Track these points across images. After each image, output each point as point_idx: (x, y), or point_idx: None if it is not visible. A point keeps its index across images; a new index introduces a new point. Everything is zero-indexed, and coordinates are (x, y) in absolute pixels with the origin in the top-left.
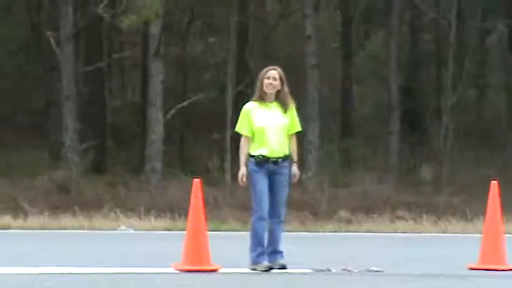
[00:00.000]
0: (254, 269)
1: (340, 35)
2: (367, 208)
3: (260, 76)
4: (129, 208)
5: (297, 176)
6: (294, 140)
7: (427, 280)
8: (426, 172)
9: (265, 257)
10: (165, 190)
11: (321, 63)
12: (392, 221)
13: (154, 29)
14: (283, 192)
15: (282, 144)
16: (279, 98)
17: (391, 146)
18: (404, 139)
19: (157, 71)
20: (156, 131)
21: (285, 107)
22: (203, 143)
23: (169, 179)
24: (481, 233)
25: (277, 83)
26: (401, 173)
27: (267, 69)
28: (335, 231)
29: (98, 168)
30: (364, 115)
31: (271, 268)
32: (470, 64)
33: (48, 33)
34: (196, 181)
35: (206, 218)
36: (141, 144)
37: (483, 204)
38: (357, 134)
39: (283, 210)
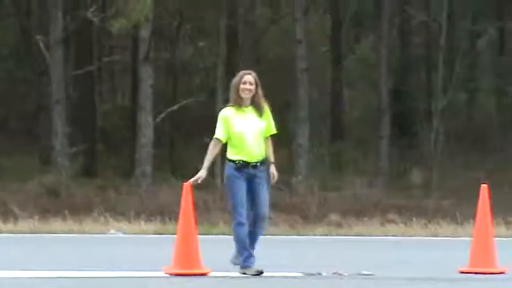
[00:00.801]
0: (244, 273)
1: (329, 39)
2: (358, 211)
3: (235, 81)
4: (119, 212)
5: (275, 177)
6: (269, 143)
7: (417, 283)
8: (416, 176)
9: (253, 260)
10: (155, 194)
11: (311, 67)
12: (382, 224)
13: (144, 33)
14: (265, 193)
15: (260, 148)
16: (254, 102)
17: (382, 149)
18: (394, 143)
19: (147, 75)
20: (146, 134)
21: (260, 110)
22: (193, 147)
23: (160, 182)
24: (471, 236)
25: (253, 87)
26: (392, 176)
27: (241, 74)
28: (325, 235)
29: (87, 172)
30: (354, 119)
31: (262, 272)
32: (461, 67)
33: (38, 37)
34: (187, 185)
35: (196, 222)
36: (131, 148)
37: (473, 207)
38: (347, 138)
39: (267, 211)
